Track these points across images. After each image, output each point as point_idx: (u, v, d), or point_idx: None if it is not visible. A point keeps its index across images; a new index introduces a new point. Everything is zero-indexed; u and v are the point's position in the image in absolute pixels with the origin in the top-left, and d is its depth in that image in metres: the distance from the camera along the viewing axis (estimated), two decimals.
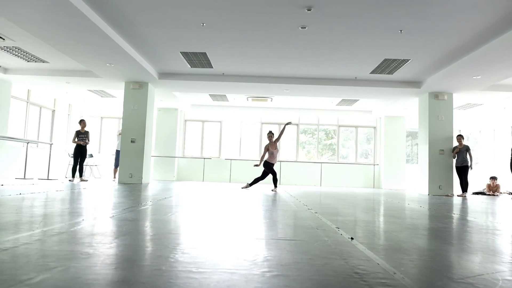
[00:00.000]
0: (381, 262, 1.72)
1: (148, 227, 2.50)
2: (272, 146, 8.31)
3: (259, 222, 2.94)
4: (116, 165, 10.32)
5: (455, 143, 9.32)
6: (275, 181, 8.26)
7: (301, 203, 4.90)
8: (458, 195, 8.82)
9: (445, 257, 1.90)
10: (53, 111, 11.98)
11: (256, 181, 8.33)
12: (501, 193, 10.47)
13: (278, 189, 8.59)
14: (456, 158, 9.13)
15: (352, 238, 2.30)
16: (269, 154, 8.31)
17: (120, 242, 1.94)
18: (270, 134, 8.39)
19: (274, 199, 5.48)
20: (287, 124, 8.57)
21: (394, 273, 1.53)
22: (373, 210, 4.36)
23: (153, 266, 1.49)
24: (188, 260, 1.62)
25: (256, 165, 8.47)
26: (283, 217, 3.33)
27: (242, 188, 8.40)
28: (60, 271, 1.37)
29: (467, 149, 9.01)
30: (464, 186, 8.91)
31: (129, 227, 2.45)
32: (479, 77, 7.77)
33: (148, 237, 2.12)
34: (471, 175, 10.65)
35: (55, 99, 11.98)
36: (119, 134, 10.37)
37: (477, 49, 6.65)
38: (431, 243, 2.29)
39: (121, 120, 9.92)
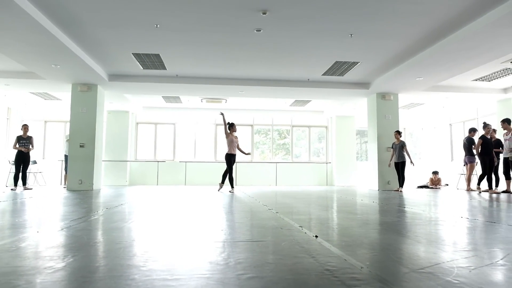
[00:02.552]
0: (348, 257, 1.80)
1: (109, 236, 2.42)
2: (232, 135, 8.29)
3: (223, 225, 2.95)
4: (67, 171, 9.78)
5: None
6: (231, 180, 8.21)
7: (261, 204, 4.96)
8: (394, 190, 9.20)
9: (403, 249, 2.03)
10: None
11: (224, 176, 8.24)
12: (442, 185, 11.28)
13: (235, 189, 8.60)
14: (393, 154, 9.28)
15: (316, 236, 2.39)
16: (228, 141, 8.24)
17: (84, 253, 1.86)
18: (234, 126, 8.35)
19: (233, 201, 5.49)
20: (244, 153, 8.54)
21: (362, 268, 1.62)
22: (330, 208, 4.53)
23: (126, 276, 1.46)
24: (161, 267, 1.59)
25: (221, 114, 8.44)
26: (246, 219, 3.36)
27: (218, 191, 8.30)
28: None
29: (402, 145, 9.12)
30: (402, 181, 9.07)
31: (89, 237, 2.36)
32: (422, 78, 8.32)
33: (113, 247, 2.05)
34: (415, 169, 11.31)
35: None
36: (67, 140, 9.82)
37: (420, 52, 7.12)
38: (389, 237, 2.43)
39: (68, 124, 9.42)
